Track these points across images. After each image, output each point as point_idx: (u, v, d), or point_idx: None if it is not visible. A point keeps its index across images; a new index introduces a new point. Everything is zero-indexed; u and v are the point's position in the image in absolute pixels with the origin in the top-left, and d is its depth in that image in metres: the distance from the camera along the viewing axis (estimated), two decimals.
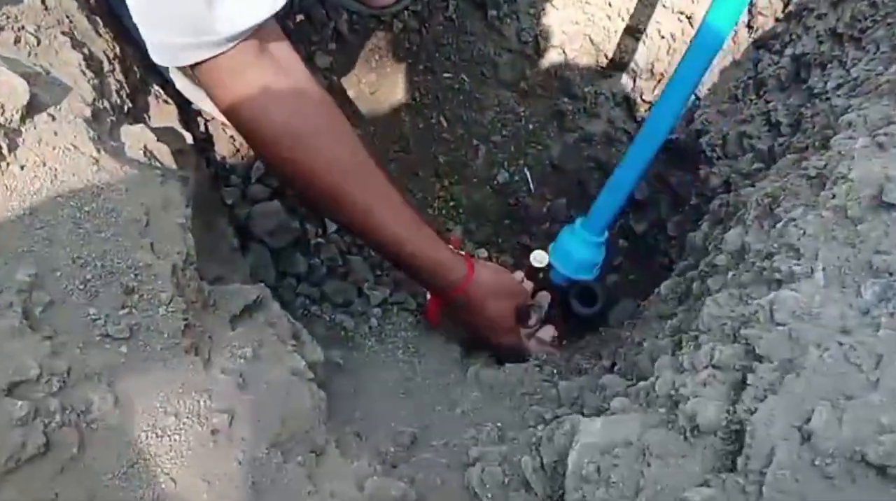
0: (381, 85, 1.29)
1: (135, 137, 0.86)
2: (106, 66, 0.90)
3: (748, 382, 0.46)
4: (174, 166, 0.89)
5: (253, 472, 0.64)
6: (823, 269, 0.49)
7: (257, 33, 0.80)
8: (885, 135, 0.56)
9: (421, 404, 0.95)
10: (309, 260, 1.12)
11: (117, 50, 0.94)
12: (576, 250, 1.11)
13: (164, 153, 0.89)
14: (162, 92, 1.03)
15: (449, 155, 1.35)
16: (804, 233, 0.53)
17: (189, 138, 1.00)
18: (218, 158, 1.09)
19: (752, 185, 0.92)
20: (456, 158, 1.35)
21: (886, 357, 0.39)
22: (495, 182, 1.37)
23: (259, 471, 0.64)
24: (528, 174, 1.37)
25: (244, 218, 1.08)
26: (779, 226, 0.60)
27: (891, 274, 0.45)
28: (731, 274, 0.65)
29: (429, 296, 1.08)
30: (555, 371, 0.95)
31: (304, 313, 1.11)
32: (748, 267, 0.62)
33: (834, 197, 0.54)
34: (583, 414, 0.77)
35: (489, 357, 1.08)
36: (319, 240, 1.13)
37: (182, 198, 0.81)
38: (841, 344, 0.41)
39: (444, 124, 1.34)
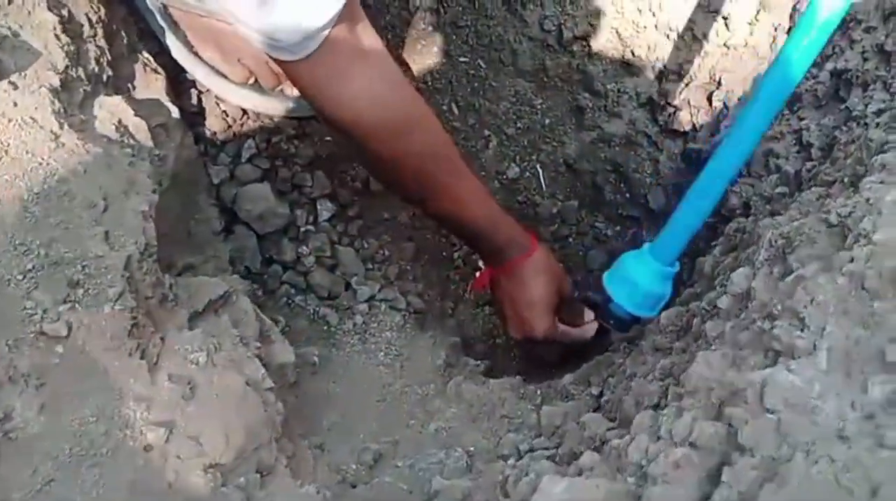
0: None
1: (109, 110, 0.81)
2: (87, 31, 0.84)
3: (723, 479, 0.39)
4: (150, 144, 0.83)
5: (185, 494, 0.59)
6: (828, 350, 0.42)
7: (346, 15, 0.75)
8: None
9: (395, 415, 0.90)
10: (297, 249, 1.06)
11: (102, 13, 0.88)
12: (644, 281, 0.92)
13: (140, 129, 0.83)
14: (152, 60, 0.97)
15: (458, 144, 1.27)
16: (813, 299, 0.46)
17: (175, 112, 0.94)
18: (208, 134, 1.03)
19: (773, 215, 0.85)
20: (465, 148, 1.28)
21: (885, 488, 0.32)
22: (505, 177, 1.29)
23: (191, 494, 0.59)
24: (540, 171, 1.30)
25: (231, 199, 1.03)
26: (788, 279, 0.53)
27: None
28: (729, 324, 0.58)
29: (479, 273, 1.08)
30: (539, 392, 0.89)
31: (288, 303, 1.06)
32: (748, 322, 0.55)
33: (852, 260, 0.46)
34: (557, 452, 0.72)
35: (475, 367, 1.02)
36: (309, 227, 1.07)
37: (149, 182, 0.75)
38: (833, 459, 0.34)
39: (456, 111, 1.26)
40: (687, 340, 0.73)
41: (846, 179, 0.68)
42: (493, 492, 0.67)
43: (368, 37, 0.80)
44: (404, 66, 1.22)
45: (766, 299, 0.56)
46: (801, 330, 0.45)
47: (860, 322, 0.42)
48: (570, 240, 1.31)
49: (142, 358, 0.65)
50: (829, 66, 0.95)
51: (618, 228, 1.29)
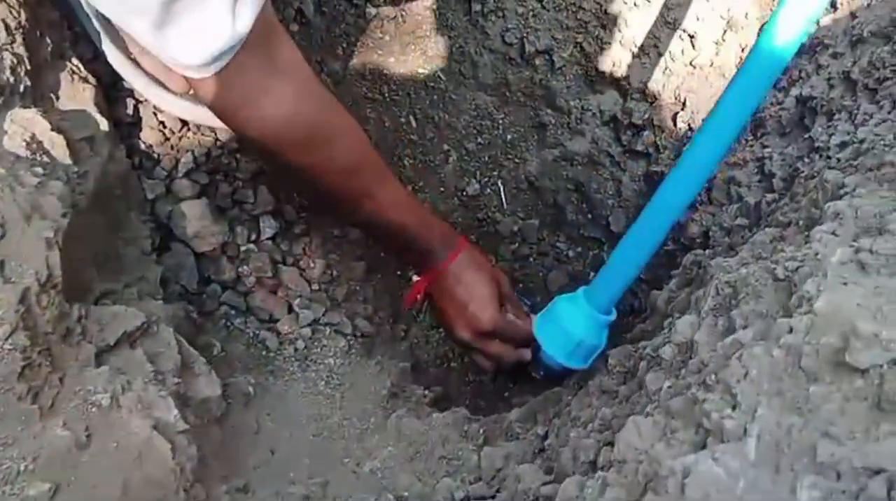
0: (346, 75, 1.16)
1: (21, 125, 0.75)
2: (2, 37, 0.78)
3: None
4: (67, 160, 0.78)
5: None
6: (758, 437, 0.37)
7: (257, 34, 0.71)
8: (871, 251, 0.44)
9: (330, 452, 0.85)
10: (237, 268, 1.01)
11: (23, 18, 0.82)
12: (577, 329, 0.85)
13: (57, 144, 0.77)
14: (82, 67, 0.91)
15: (416, 159, 1.23)
16: (747, 373, 0.41)
17: (104, 124, 0.88)
18: (143, 146, 0.97)
19: (731, 248, 0.81)
20: (424, 163, 1.23)
21: None
22: (464, 193, 1.25)
23: None
24: (501, 188, 1.25)
25: (167, 216, 0.97)
26: (727, 341, 0.48)
27: (838, 476, 0.33)
28: (667, 384, 0.53)
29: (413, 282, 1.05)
30: (482, 430, 0.84)
31: (227, 325, 1.01)
32: (683, 386, 0.50)
33: (791, 330, 0.42)
34: (496, 497, 0.67)
35: (421, 397, 0.97)
36: (250, 246, 1.01)
37: (58, 205, 0.70)
38: None
39: (414, 124, 1.21)
40: (632, 386, 0.69)
41: (801, 222, 0.63)
42: None
43: (284, 51, 0.77)
44: (359, 77, 1.17)
45: (706, 358, 0.51)
46: (733, 409, 0.41)
47: (793, 407, 0.38)
48: (531, 259, 1.27)
49: (33, 402, 0.59)
50: (795, 91, 0.91)
51: (579, 249, 1.24)
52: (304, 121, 0.80)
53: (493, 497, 0.72)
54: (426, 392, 0.99)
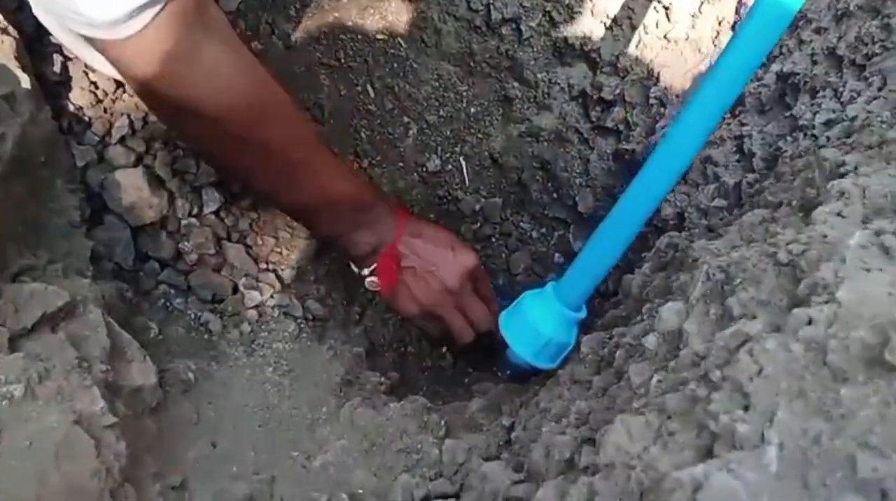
0: (298, 39, 1.08)
1: None
2: None
3: None
4: None
5: None
6: (780, 446, 0.32)
7: None
8: (895, 234, 0.39)
9: (278, 445, 0.78)
10: (177, 243, 0.92)
11: None
12: (545, 328, 0.79)
13: None
14: (1, 18, 0.81)
15: (374, 131, 1.16)
16: (760, 370, 0.36)
17: (26, 81, 0.79)
18: (72, 108, 0.88)
19: (710, 230, 0.76)
20: (382, 136, 1.16)
21: None
22: (424, 169, 1.18)
23: None
24: (463, 164, 1.19)
25: (99, 185, 0.88)
26: (728, 332, 0.43)
27: (884, 496, 0.28)
28: (656, 378, 0.48)
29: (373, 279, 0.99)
30: (443, 421, 0.79)
31: (166, 306, 0.92)
32: (678, 381, 0.45)
33: (811, 322, 0.37)
34: (456, 499, 0.61)
35: (377, 385, 0.91)
36: (192, 219, 0.93)
37: None
38: None
39: (372, 94, 1.14)
40: (608, 377, 0.64)
41: (794, 202, 0.59)
42: None
43: (211, 7, 0.69)
44: (312, 41, 1.09)
45: (701, 349, 0.46)
46: (745, 411, 0.36)
47: (820, 410, 0.33)
48: (493, 239, 1.21)
49: None
50: (776, 67, 0.86)
51: (543, 230, 1.19)
52: (240, 92, 0.71)
53: (457, 495, 0.66)
54: (382, 379, 0.93)
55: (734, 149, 0.85)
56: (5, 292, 0.62)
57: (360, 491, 0.69)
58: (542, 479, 0.58)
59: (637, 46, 1.02)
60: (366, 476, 0.72)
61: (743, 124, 0.87)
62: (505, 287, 1.17)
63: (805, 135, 0.75)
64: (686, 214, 0.85)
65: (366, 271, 0.97)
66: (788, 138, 0.77)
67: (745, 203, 0.75)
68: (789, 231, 0.51)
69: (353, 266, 1.00)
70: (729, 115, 0.90)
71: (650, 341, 0.55)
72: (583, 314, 0.81)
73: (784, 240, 0.49)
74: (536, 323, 0.80)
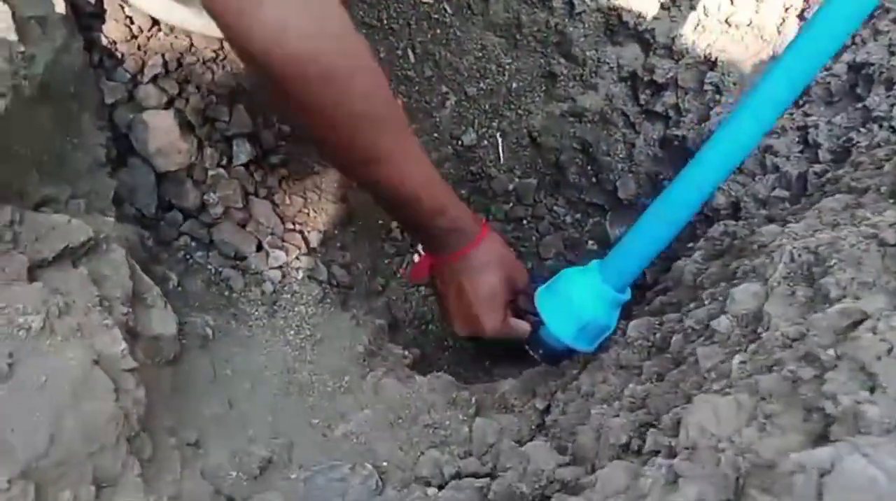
0: None
1: None
2: None
3: None
4: (13, 37, 0.64)
5: None
6: None
7: None
8: None
9: (297, 410, 0.74)
10: (203, 194, 0.88)
11: None
12: (588, 307, 0.74)
13: (1, 16, 0.64)
14: None
15: (410, 97, 1.11)
16: (891, 349, 0.32)
17: (60, 5, 0.75)
18: (105, 42, 0.83)
19: (770, 220, 0.72)
20: (418, 104, 1.12)
21: None
22: (460, 142, 1.14)
23: None
24: (500, 141, 1.14)
25: (126, 125, 0.84)
26: (833, 313, 0.39)
27: None
28: (737, 360, 0.44)
29: (418, 258, 0.91)
30: (474, 399, 0.75)
31: (186, 258, 0.88)
32: (768, 361, 0.41)
33: None
34: (491, 487, 0.57)
35: (400, 358, 0.87)
36: (220, 170, 0.89)
37: None
38: None
39: (412, 59, 1.10)
40: (662, 361, 0.60)
41: (883, 189, 0.54)
42: None
43: None
44: (359, 0, 1.04)
45: (792, 331, 0.42)
46: (871, 392, 0.31)
47: None
48: (525, 222, 1.17)
49: None
50: (847, 57, 0.82)
51: (578, 215, 1.15)
52: (320, 42, 0.63)
53: (490, 475, 0.62)
54: (406, 353, 0.89)
55: (797, 139, 0.81)
56: (26, 219, 0.58)
57: (385, 464, 0.65)
58: (590, 463, 0.54)
59: (695, 29, 0.98)
60: (391, 448, 0.68)
61: (807, 115, 0.82)
62: (534, 271, 1.13)
63: (881, 125, 0.71)
64: (742, 203, 0.81)
65: (413, 250, 0.92)
66: (861, 129, 0.73)
67: (812, 192, 0.70)
68: (889, 212, 0.47)
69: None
70: (792, 105, 0.86)
71: (722, 324, 0.51)
72: (627, 296, 0.76)
73: (885, 222, 0.45)
74: (578, 302, 0.75)
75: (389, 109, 0.72)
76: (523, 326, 0.81)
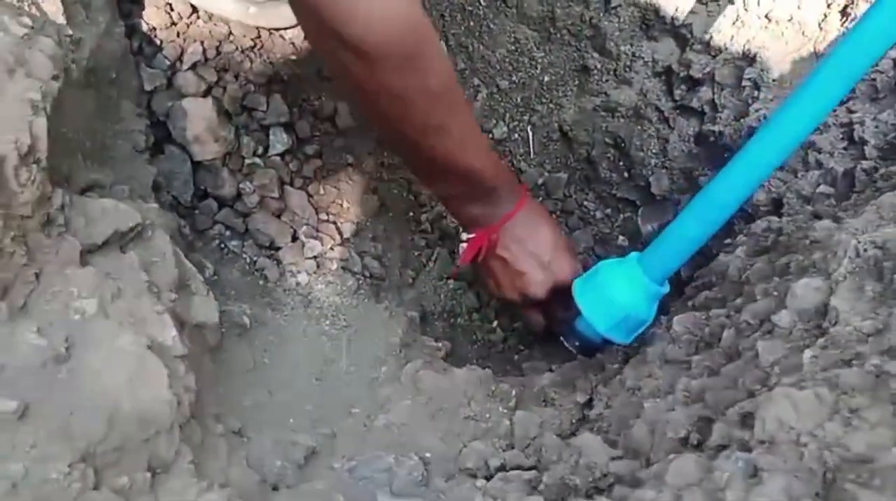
0: None
1: None
2: None
3: None
4: (61, 19, 0.64)
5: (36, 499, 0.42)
6: None
7: None
8: None
9: (335, 400, 0.74)
10: (238, 183, 0.88)
11: None
12: (627, 299, 0.74)
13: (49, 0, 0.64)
14: None
15: None
16: None
17: None
18: (145, 28, 0.83)
19: (818, 217, 0.71)
20: None
21: None
22: (490, 135, 1.13)
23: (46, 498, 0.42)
24: (531, 134, 1.14)
25: (164, 112, 0.84)
26: None
27: None
28: (808, 354, 0.43)
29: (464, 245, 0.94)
30: (514, 392, 0.74)
31: (221, 247, 0.88)
32: (846, 354, 0.40)
33: None
34: (542, 478, 0.57)
35: (434, 350, 0.87)
36: (256, 160, 0.88)
37: (49, 65, 0.56)
38: None
39: (444, 51, 1.09)
40: (713, 356, 0.59)
41: None
42: None
43: None
44: None
45: (867, 326, 0.42)
46: None
47: None
48: (554, 216, 1.16)
49: (2, 298, 0.47)
50: (893, 53, 0.81)
51: (608, 211, 1.14)
52: (404, 26, 0.64)
53: (534, 468, 0.61)
54: (440, 345, 0.88)
55: (841, 135, 0.80)
56: (76, 204, 0.57)
57: (428, 455, 0.65)
58: (644, 457, 0.53)
59: (734, 24, 0.97)
60: (433, 440, 0.67)
61: (852, 111, 0.81)
62: None
63: None
64: (785, 200, 0.80)
65: (464, 236, 0.93)
66: None
67: (863, 189, 0.69)
68: None
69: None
70: None
71: (783, 319, 0.51)
72: (666, 288, 0.75)
73: None
74: (616, 294, 0.75)
75: (457, 85, 0.76)
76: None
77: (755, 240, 0.75)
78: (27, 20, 0.58)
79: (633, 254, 0.77)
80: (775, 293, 0.57)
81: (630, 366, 0.69)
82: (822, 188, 0.77)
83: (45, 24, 0.61)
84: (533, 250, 0.85)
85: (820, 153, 0.81)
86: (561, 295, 0.83)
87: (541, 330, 0.94)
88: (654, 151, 1.06)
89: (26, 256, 0.49)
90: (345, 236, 0.94)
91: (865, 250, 0.49)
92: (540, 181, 1.15)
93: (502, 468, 0.62)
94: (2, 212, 0.47)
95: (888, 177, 0.64)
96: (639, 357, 0.70)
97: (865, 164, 0.73)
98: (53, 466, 0.42)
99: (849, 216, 0.61)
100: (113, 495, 0.44)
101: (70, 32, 0.64)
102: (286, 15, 0.87)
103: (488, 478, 0.60)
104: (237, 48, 0.87)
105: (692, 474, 0.40)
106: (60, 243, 0.53)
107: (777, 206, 0.82)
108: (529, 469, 0.62)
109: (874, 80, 0.81)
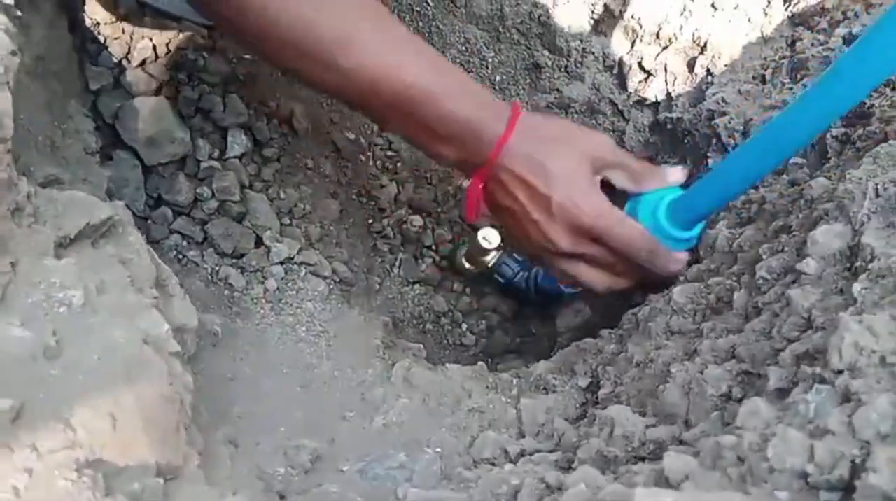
0: None
1: None
2: None
3: None
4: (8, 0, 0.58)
5: None
6: None
7: None
8: None
9: (325, 405, 0.69)
10: (195, 188, 0.82)
11: None
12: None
13: None
14: None
15: None
16: None
17: None
18: (89, 23, 0.77)
19: (794, 184, 0.72)
20: None
21: None
22: None
23: None
24: None
25: (112, 114, 0.77)
26: None
27: None
28: (859, 287, 0.43)
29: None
30: (514, 381, 0.71)
31: (179, 258, 0.82)
32: (887, 291, 0.40)
33: None
34: (575, 456, 0.54)
35: (417, 351, 0.83)
36: (213, 163, 0.83)
37: (6, 41, 0.51)
38: None
39: None
40: (726, 318, 0.58)
41: None
42: None
43: None
44: None
45: None
46: None
47: None
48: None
49: None
50: (841, 30, 0.85)
51: None
52: None
53: (553, 451, 0.59)
54: (420, 347, 0.85)
55: None
56: (42, 194, 0.51)
57: (439, 449, 0.61)
58: (681, 420, 0.51)
59: (682, 14, 0.99)
60: (439, 434, 0.63)
61: (807, 87, 0.84)
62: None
63: (893, 87, 0.73)
64: None
65: (463, 184, 0.79)
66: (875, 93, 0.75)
67: (838, 153, 0.71)
68: None
69: None
70: (788, 79, 0.88)
71: (810, 266, 0.50)
72: (695, 236, 0.73)
73: None
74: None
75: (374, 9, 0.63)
76: (638, 229, 0.69)
77: (735, 214, 0.76)
78: None
79: (666, 201, 0.72)
80: (785, 248, 0.57)
81: (633, 343, 0.68)
82: (794, 159, 0.78)
83: None
84: (544, 191, 0.65)
85: None
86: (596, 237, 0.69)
87: (603, 289, 0.75)
88: None
89: (4, 245, 0.43)
90: (311, 240, 0.89)
91: (886, 189, 0.49)
92: None
93: (522, 454, 0.59)
94: None
95: (866, 138, 0.66)
96: (639, 333, 0.69)
97: (835, 132, 0.75)
98: (60, 472, 0.36)
99: (834, 177, 0.63)
100: None
101: (19, 14, 0.58)
102: None
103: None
104: (191, 46, 0.82)
105: (764, 413, 0.38)
106: (33, 234, 0.47)
107: None
108: (551, 451, 0.59)
109: (826, 57, 0.84)
